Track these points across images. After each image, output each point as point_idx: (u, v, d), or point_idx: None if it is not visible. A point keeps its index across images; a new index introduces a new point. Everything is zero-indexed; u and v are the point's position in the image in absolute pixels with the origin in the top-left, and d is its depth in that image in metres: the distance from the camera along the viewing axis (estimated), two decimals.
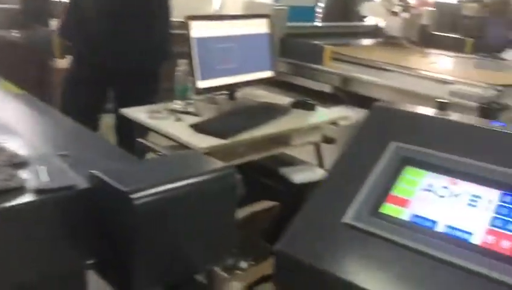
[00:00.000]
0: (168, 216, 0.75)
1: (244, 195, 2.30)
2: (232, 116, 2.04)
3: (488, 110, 2.60)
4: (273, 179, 2.19)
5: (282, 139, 2.07)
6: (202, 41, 2.06)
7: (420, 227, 0.80)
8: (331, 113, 2.33)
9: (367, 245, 0.80)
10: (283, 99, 2.42)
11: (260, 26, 2.33)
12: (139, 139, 2.09)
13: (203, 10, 4.05)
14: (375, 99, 3.16)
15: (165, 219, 0.74)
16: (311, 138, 2.21)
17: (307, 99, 2.29)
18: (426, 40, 3.98)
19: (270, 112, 2.13)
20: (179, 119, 2.00)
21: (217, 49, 2.11)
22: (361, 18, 4.53)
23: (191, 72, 2.05)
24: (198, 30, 2.05)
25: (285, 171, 2.17)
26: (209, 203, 0.86)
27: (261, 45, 2.33)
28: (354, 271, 0.78)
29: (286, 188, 2.14)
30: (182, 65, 2.14)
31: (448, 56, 3.66)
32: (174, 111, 2.06)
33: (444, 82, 2.89)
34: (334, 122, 2.29)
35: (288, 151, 2.22)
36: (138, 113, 2.05)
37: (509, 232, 0.75)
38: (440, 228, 0.79)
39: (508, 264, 0.71)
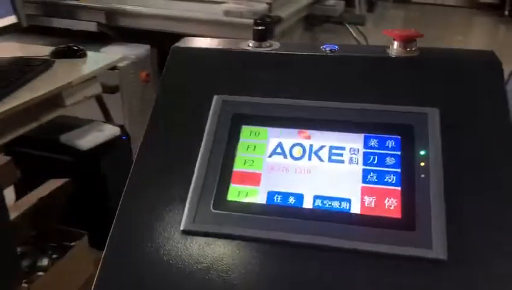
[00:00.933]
0: None
1: (23, 177, 1.82)
2: None
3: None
4: (57, 150, 1.75)
5: (51, 101, 1.63)
6: None
7: (282, 208, 0.57)
8: (105, 58, 1.92)
9: (215, 252, 0.54)
10: (41, 49, 1.92)
11: None
12: None
13: None
14: (151, 32, 2.85)
15: None
16: (88, 91, 1.80)
17: (72, 46, 1.84)
18: None
19: (24, 70, 1.63)
20: None
21: None
22: None
23: None
24: None
25: (67, 138, 1.75)
26: None
27: None
28: None
29: (74, 157, 1.74)
30: None
31: None
32: None
33: (215, 2, 2.69)
34: (113, 68, 1.91)
35: (65, 113, 1.79)
36: None
37: (385, 186, 0.58)
38: (308, 203, 0.58)
39: (388, 228, 0.54)
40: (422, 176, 0.57)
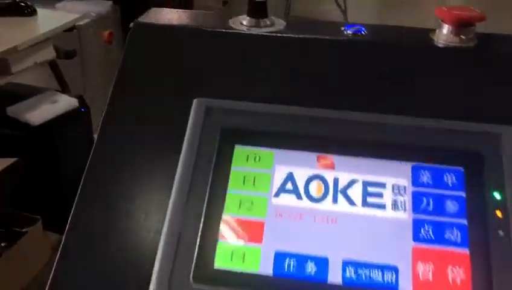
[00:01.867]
0: None
1: None
2: None
3: None
4: (3, 124, 1.49)
5: None
6: None
7: (297, 283, 0.37)
8: (60, 16, 1.63)
9: None
10: None
11: None
12: None
13: None
14: None
15: None
16: (39, 57, 1.53)
17: (20, 2, 1.54)
18: None
19: None
20: None
21: None
22: None
23: None
24: None
25: (15, 110, 1.48)
26: None
27: None
28: None
29: (24, 133, 1.48)
30: None
31: None
32: None
33: None
34: (69, 28, 1.63)
35: (13, 80, 1.52)
36: None
37: (447, 247, 0.39)
38: (335, 273, 0.38)
39: None
40: (501, 233, 0.38)
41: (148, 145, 0.44)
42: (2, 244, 1.46)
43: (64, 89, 1.64)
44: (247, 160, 0.42)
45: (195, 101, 0.43)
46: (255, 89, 0.45)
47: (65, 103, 1.54)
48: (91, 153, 0.47)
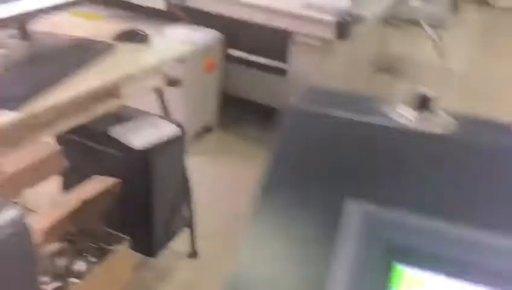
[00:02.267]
0: None
1: (70, 169, 1.63)
2: (25, 68, 1.28)
3: (344, 24, 2.20)
4: (106, 143, 1.54)
5: (108, 90, 1.41)
6: None
7: None
8: (172, 47, 1.67)
9: None
10: (105, 27, 1.70)
11: None
12: None
13: None
14: (222, 17, 2.59)
15: None
16: (149, 83, 1.57)
17: (137, 29, 1.60)
18: None
19: (84, 53, 1.41)
20: None
21: None
22: None
23: None
24: None
25: (118, 131, 1.53)
26: None
27: None
28: None
29: (123, 153, 1.52)
30: None
31: None
32: None
33: None
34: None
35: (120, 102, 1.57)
36: None
37: None
38: None
39: None
40: None
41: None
42: (91, 260, 1.49)
43: (166, 114, 1.67)
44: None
45: (349, 202, 0.38)
46: (419, 197, 0.39)
47: (166, 129, 1.56)
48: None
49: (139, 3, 2.43)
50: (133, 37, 1.58)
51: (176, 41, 2.24)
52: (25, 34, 1.46)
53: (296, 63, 2.44)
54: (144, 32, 1.59)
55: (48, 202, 1.57)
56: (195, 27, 2.42)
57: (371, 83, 3.53)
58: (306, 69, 2.43)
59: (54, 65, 1.30)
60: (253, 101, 2.68)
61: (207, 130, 2.64)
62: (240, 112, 2.84)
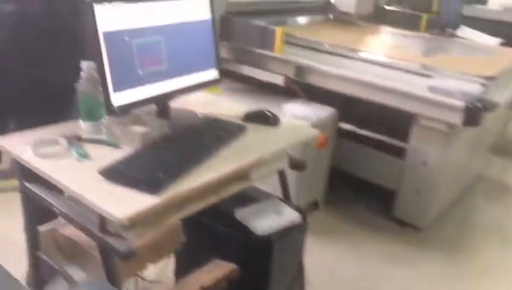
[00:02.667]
0: None
1: (190, 246, 1.59)
2: (165, 149, 1.30)
3: (474, 111, 2.05)
4: (229, 225, 1.50)
5: (239, 174, 1.38)
6: (114, 36, 1.29)
7: None
8: (299, 129, 1.62)
9: None
10: (234, 106, 1.72)
11: (198, 9, 1.57)
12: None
13: None
14: (337, 93, 2.57)
15: None
16: (276, 166, 1.53)
17: (267, 112, 1.59)
18: (378, 15, 3.38)
19: (219, 134, 1.41)
20: (82, 156, 1.25)
21: (138, 46, 1.35)
22: None
23: (101, 82, 1.28)
24: (107, 20, 1.27)
25: (244, 215, 1.48)
26: None
27: (200, 34, 1.58)
28: None
29: (244, 237, 1.47)
30: (88, 69, 1.37)
31: (410, 36, 3.06)
32: (74, 141, 1.29)
33: (421, 74, 2.30)
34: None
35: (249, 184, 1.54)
36: (16, 146, 1.26)
37: None
38: None
39: None
40: None
41: None
42: None
43: (287, 197, 1.61)
44: None
45: None
46: None
47: (289, 216, 1.50)
48: None
49: (259, 78, 2.47)
50: (262, 118, 1.57)
51: (294, 117, 2.24)
52: (163, 112, 1.51)
53: (417, 145, 2.30)
54: (273, 115, 1.58)
55: (165, 282, 1.55)
56: (310, 102, 2.40)
57: (489, 166, 3.26)
58: (426, 151, 2.28)
59: (192, 147, 1.31)
60: (365, 179, 2.56)
61: (314, 206, 2.55)
62: (349, 189, 2.73)
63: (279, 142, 1.47)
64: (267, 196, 1.59)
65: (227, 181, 1.32)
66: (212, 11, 1.61)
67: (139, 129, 1.37)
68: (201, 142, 1.35)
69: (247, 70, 2.49)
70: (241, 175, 1.36)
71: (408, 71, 2.30)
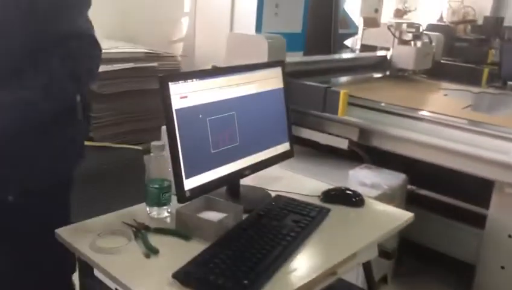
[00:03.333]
0: None
1: None
2: (242, 242, 1.09)
3: None
4: None
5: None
6: (187, 113, 1.14)
7: None
8: (390, 215, 1.39)
9: None
10: (304, 181, 1.53)
11: (271, 79, 1.43)
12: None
13: (168, 34, 3.12)
14: (406, 157, 2.36)
15: None
16: (363, 257, 1.32)
17: (350, 190, 1.40)
18: (436, 70, 3.20)
19: (300, 221, 1.21)
20: (151, 251, 1.07)
21: (212, 122, 1.20)
22: (344, 47, 3.74)
23: (172, 165, 1.13)
24: (179, 97, 1.13)
25: None
26: None
27: (272, 105, 1.43)
28: None
29: None
30: (156, 150, 1.22)
31: (475, 92, 2.85)
32: (141, 229, 1.13)
33: (501, 138, 2.07)
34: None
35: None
36: (76, 236, 1.10)
37: None
38: None
39: None
40: None
41: None
42: None
43: (372, 288, 1.38)
44: None
45: None
46: None
47: None
48: None
49: (321, 142, 2.30)
50: (344, 198, 1.37)
51: (362, 185, 2.03)
52: (234, 192, 1.34)
53: (499, 214, 2.04)
54: (355, 194, 1.38)
55: None
56: (377, 168, 2.20)
57: None
58: (507, 220, 2.02)
59: (273, 240, 1.12)
60: (438, 251, 2.30)
61: (382, 280, 2.28)
62: (420, 261, 2.46)
63: (369, 231, 1.27)
64: (351, 286, 1.37)
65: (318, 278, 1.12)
66: (285, 79, 1.46)
67: (211, 216, 1.20)
68: (281, 232, 1.15)
69: (307, 134, 2.32)
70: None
71: (482, 133, 2.07)
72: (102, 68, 2.32)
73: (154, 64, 2.56)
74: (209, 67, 2.21)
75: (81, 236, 1.11)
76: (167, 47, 2.92)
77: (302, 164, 2.09)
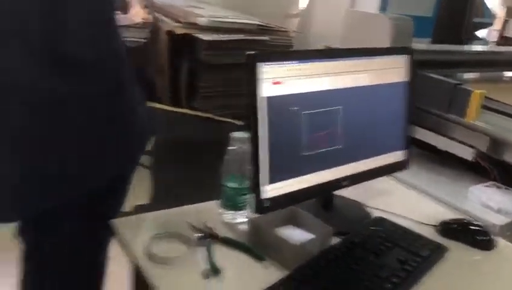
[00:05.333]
0: None
1: None
2: (329, 278, 0.81)
3: None
4: None
5: None
6: (278, 103, 0.86)
7: None
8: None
9: None
10: (413, 199, 1.18)
11: (392, 70, 1.08)
12: None
13: (285, 8, 2.83)
14: None
15: None
16: None
17: (475, 225, 1.02)
18: None
19: (407, 262, 0.88)
20: (214, 271, 0.82)
21: (309, 119, 0.90)
22: (475, 38, 3.13)
23: (252, 164, 0.86)
24: (272, 83, 0.85)
25: None
26: None
27: (390, 103, 1.08)
28: None
29: None
30: (238, 142, 0.96)
31: None
32: (207, 237, 0.88)
33: None
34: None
35: None
36: (130, 233, 0.89)
37: None
38: None
39: None
40: None
41: None
42: None
43: None
44: None
45: None
46: None
47: None
48: None
49: (438, 147, 1.87)
50: (467, 235, 1.00)
51: (486, 207, 1.60)
52: (325, 206, 1.04)
53: None
54: (483, 231, 1.00)
55: None
56: (508, 189, 1.72)
57: None
58: None
59: (371, 282, 0.80)
60: None
61: None
62: None
63: (503, 287, 0.89)
64: None
65: None
66: (412, 71, 1.09)
67: (293, 235, 0.92)
68: (379, 274, 0.83)
69: (424, 135, 1.90)
70: None
71: None
72: (211, 37, 2.12)
73: (266, 37, 2.29)
74: (321, 47, 1.89)
75: (135, 234, 0.90)
76: (282, 21, 2.63)
77: (412, 169, 1.71)
